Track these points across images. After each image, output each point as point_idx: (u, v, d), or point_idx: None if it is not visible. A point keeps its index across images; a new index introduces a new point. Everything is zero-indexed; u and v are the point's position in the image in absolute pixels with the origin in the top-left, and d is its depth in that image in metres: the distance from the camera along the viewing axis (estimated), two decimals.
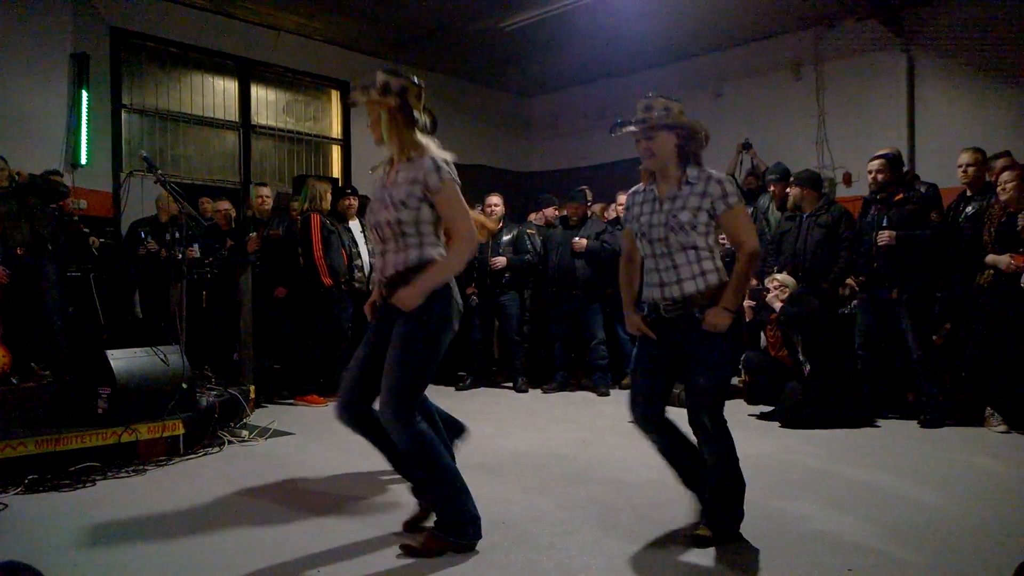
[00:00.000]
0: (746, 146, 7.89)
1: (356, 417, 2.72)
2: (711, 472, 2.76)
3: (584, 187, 6.96)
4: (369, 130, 2.73)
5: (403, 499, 3.26)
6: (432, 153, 2.63)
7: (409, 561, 2.58)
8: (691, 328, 2.69)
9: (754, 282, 5.71)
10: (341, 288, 5.95)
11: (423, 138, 2.66)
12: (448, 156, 2.66)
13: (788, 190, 5.92)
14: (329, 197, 6.11)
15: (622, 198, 6.75)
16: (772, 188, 6.51)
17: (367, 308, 2.85)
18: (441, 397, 4.38)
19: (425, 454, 2.61)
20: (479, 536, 2.68)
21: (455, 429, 3.43)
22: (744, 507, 2.78)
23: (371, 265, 6.36)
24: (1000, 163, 5.15)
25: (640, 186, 2.87)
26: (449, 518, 2.66)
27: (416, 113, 2.64)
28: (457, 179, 2.64)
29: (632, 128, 2.70)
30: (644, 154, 2.72)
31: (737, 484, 2.76)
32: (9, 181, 5.41)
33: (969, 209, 5.12)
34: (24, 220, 5.39)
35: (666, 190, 2.74)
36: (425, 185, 2.58)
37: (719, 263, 2.73)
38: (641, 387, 2.79)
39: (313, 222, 5.88)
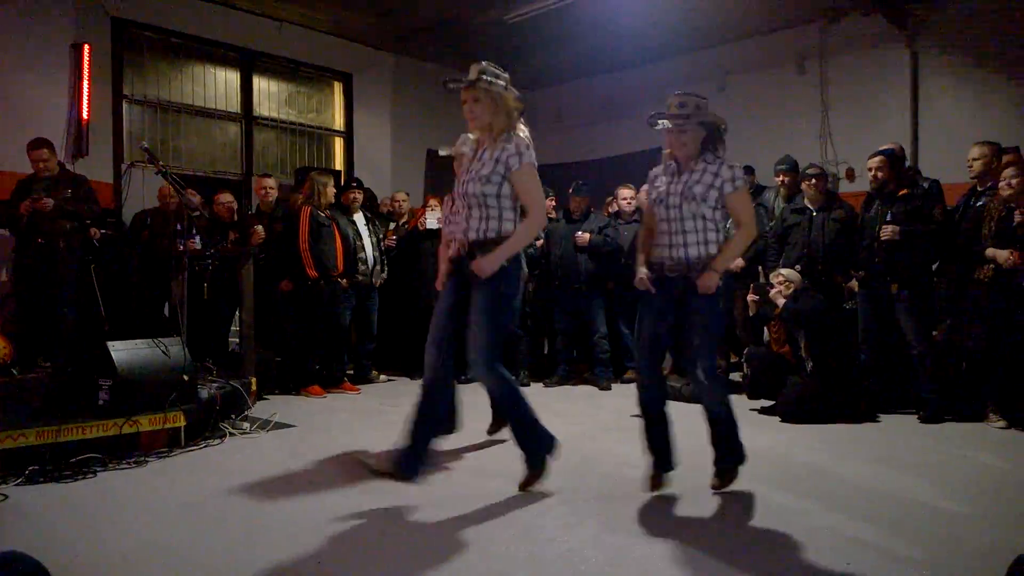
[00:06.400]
0: (748, 171, 7.77)
1: (441, 360, 3.19)
2: (713, 422, 3.24)
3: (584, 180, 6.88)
4: (468, 116, 3.15)
5: (404, 491, 3.27)
6: (518, 139, 3.13)
7: (411, 549, 2.58)
8: (688, 290, 3.10)
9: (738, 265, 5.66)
10: (332, 281, 5.94)
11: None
12: (530, 142, 3.18)
13: (805, 184, 5.77)
14: (331, 191, 6.08)
15: (624, 192, 6.73)
16: (782, 178, 6.37)
17: (440, 278, 3.31)
18: None
19: (510, 392, 3.20)
20: (552, 451, 3.29)
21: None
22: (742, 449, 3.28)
23: (375, 259, 6.38)
24: (1006, 159, 5.11)
25: (661, 166, 3.32)
26: (531, 445, 3.23)
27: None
28: (535, 162, 3.14)
29: (668, 124, 3.16)
30: (675, 144, 3.17)
31: (733, 426, 3.23)
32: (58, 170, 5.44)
33: (980, 204, 5.06)
34: (54, 212, 5.38)
35: (687, 168, 3.21)
36: (507, 166, 3.09)
37: (722, 238, 3.16)
38: (647, 334, 3.21)
39: (303, 214, 5.86)
